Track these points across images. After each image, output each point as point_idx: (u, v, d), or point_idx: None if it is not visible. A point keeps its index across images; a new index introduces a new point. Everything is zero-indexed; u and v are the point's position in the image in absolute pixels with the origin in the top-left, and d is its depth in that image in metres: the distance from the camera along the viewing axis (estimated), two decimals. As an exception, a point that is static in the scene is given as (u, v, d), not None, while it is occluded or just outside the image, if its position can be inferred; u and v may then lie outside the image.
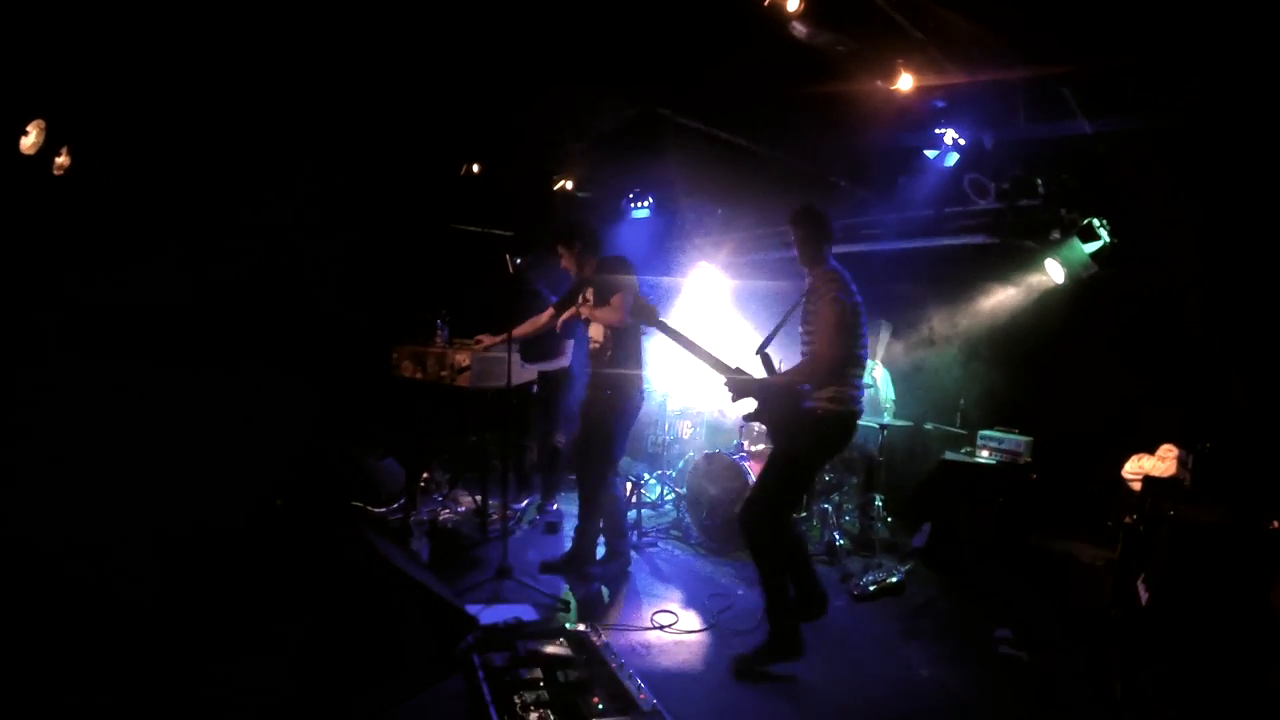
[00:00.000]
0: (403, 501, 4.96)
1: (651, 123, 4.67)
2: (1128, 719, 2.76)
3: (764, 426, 5.01)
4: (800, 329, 3.38)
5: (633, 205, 6.46)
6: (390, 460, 5.08)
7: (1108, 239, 3.66)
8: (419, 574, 3.49)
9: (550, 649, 3.14)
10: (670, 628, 3.65)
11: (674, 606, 3.90)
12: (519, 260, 5.93)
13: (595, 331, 4.19)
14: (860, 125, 4.23)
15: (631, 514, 4.84)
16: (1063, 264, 4.12)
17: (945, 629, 3.79)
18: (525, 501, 5.43)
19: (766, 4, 2.97)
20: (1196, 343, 3.42)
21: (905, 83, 3.46)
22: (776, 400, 3.38)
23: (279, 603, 2.92)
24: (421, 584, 3.38)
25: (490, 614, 3.63)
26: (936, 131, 4.07)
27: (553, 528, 5.09)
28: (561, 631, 3.32)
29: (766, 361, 3.51)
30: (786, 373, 3.38)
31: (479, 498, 4.99)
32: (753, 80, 3.90)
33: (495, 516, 4.87)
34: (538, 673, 2.90)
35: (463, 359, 4.47)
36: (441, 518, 4.93)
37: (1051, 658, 3.37)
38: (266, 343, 5.03)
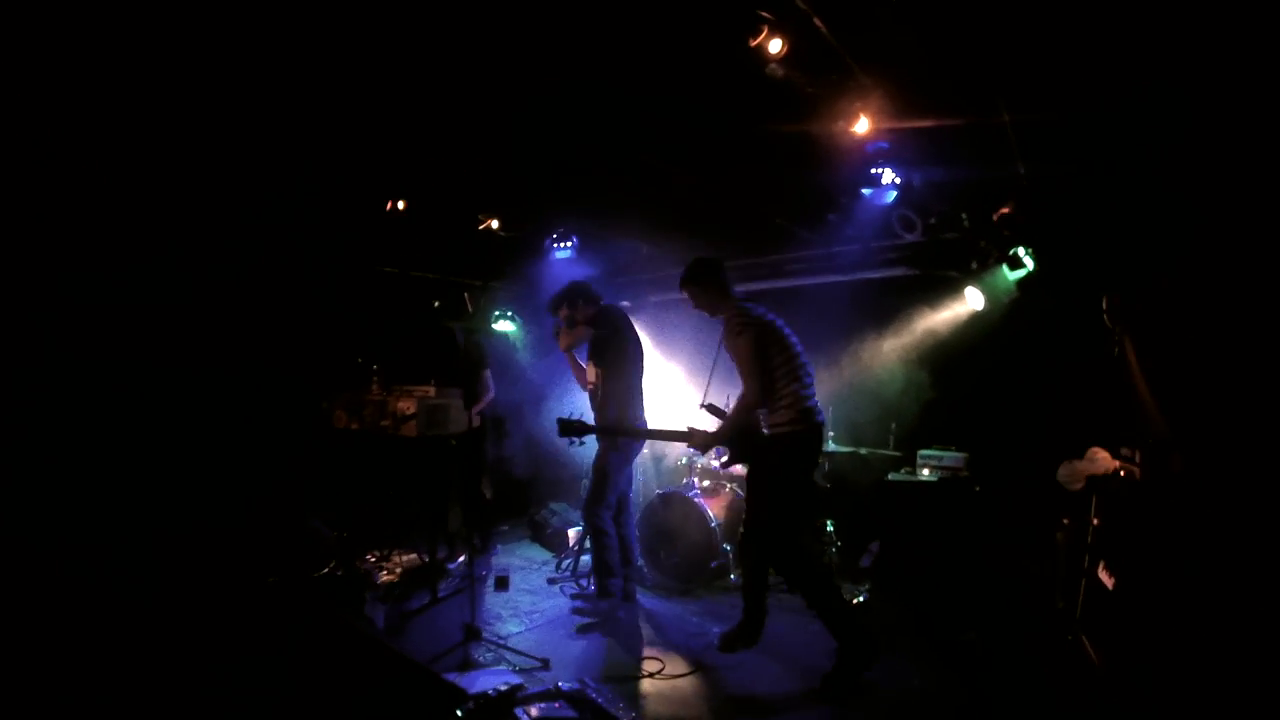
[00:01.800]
0: (333, 565, 4.48)
1: (577, 161, 4.65)
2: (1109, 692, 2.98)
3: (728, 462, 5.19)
4: None
5: (556, 245, 6.34)
6: (316, 521, 4.59)
7: (1033, 266, 4.07)
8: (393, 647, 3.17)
9: (550, 713, 2.93)
10: (661, 673, 3.52)
11: (656, 652, 3.77)
12: (437, 303, 5.70)
13: (592, 374, 4.39)
14: (802, 164, 4.44)
15: (585, 558, 4.72)
16: (986, 291, 4.50)
17: (915, 639, 3.89)
18: (461, 558, 5.08)
19: (752, 45, 3.06)
20: (1109, 355, 3.84)
21: (862, 125, 3.68)
22: (739, 441, 3.59)
23: (260, 686, 2.54)
24: (406, 658, 3.07)
25: (469, 683, 3.33)
26: (873, 171, 4.35)
27: (502, 582, 4.78)
28: (560, 693, 3.11)
29: (714, 411, 3.75)
30: (729, 415, 3.57)
31: (425, 556, 4.61)
32: (702, 117, 3.99)
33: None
34: (551, 740, 2.69)
35: (407, 406, 4.17)
36: (382, 580, 4.49)
37: (1017, 653, 3.59)
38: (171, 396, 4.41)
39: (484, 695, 3.05)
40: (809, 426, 3.47)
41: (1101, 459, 3.82)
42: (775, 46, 3.11)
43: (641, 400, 4.35)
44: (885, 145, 4.03)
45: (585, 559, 4.77)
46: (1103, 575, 3.20)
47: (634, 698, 3.29)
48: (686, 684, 3.45)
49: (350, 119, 4.03)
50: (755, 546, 3.62)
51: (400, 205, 4.80)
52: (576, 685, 3.17)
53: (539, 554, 5.69)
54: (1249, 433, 2.96)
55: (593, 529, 4.26)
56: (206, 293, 4.50)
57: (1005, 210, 3.60)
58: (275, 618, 3.09)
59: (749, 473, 3.69)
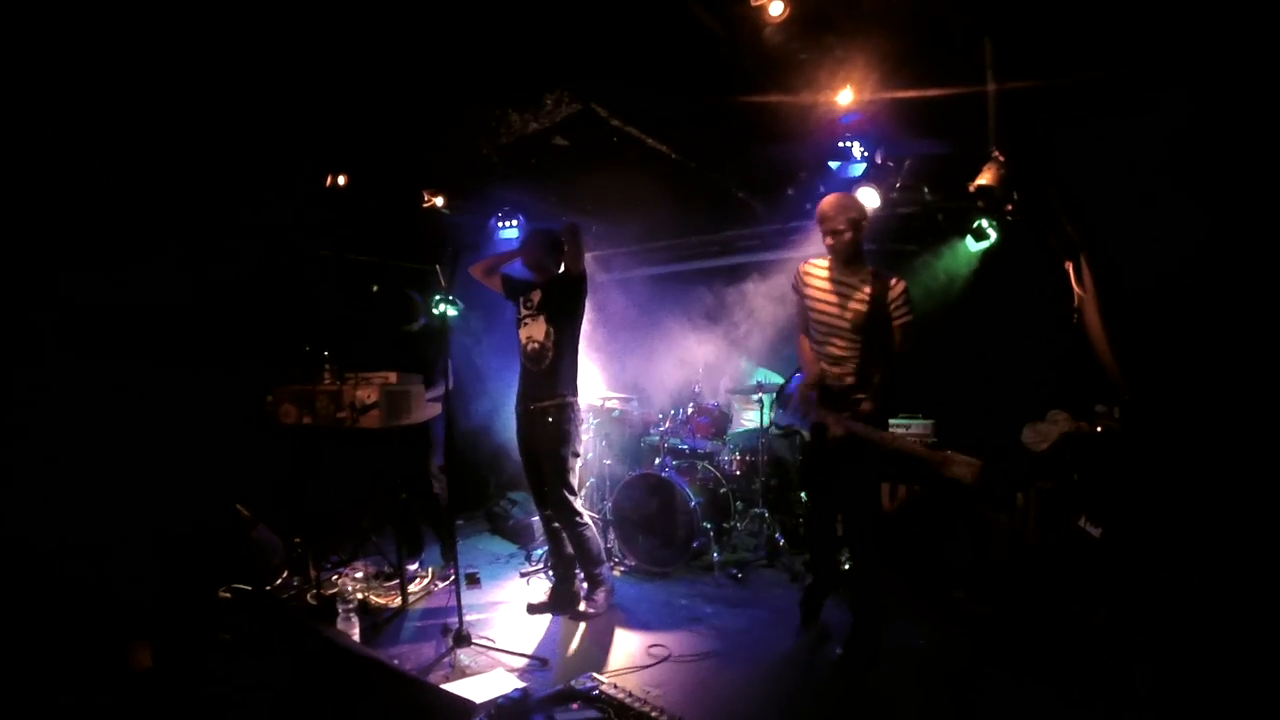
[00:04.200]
0: (287, 576, 4.08)
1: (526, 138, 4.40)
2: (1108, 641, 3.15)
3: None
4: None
5: (500, 224, 6.02)
6: (262, 528, 4.14)
7: (996, 238, 4.22)
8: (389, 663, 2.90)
9: (574, 717, 2.76)
10: (673, 658, 3.39)
11: (657, 638, 3.64)
12: (375, 288, 5.30)
13: (536, 330, 3.87)
14: (767, 136, 4.38)
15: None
16: (948, 263, 4.64)
17: (903, 599, 3.97)
18: (422, 557, 4.75)
19: (754, 4, 2.94)
20: (1069, 322, 4.04)
21: (845, 96, 3.65)
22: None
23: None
24: (403, 674, 2.81)
25: (471, 692, 3.09)
26: (841, 145, 4.35)
27: (473, 579, 4.51)
28: (575, 693, 2.93)
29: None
30: (883, 386, 3.20)
31: (391, 560, 4.26)
32: (672, 86, 3.84)
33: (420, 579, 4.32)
34: (584, 746, 2.52)
35: (367, 394, 3.81)
36: (349, 589, 4.11)
37: (1005, 609, 3.72)
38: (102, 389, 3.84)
39: (495, 705, 2.84)
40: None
41: (1063, 421, 4.03)
42: (776, 10, 3.01)
43: None
44: (859, 116, 4.03)
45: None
46: (1087, 526, 3.36)
47: (650, 687, 3.13)
48: (703, 666, 3.34)
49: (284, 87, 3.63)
50: (870, 527, 3.39)
51: (341, 181, 4.37)
52: (590, 683, 3.00)
53: (502, 547, 5.43)
54: (1208, 390, 3.15)
55: (569, 519, 3.89)
56: (125, 278, 3.94)
57: (981, 181, 3.67)
58: (250, 636, 2.73)
59: (856, 450, 3.18)
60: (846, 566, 3.98)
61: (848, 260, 3.23)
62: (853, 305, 3.20)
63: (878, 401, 3.18)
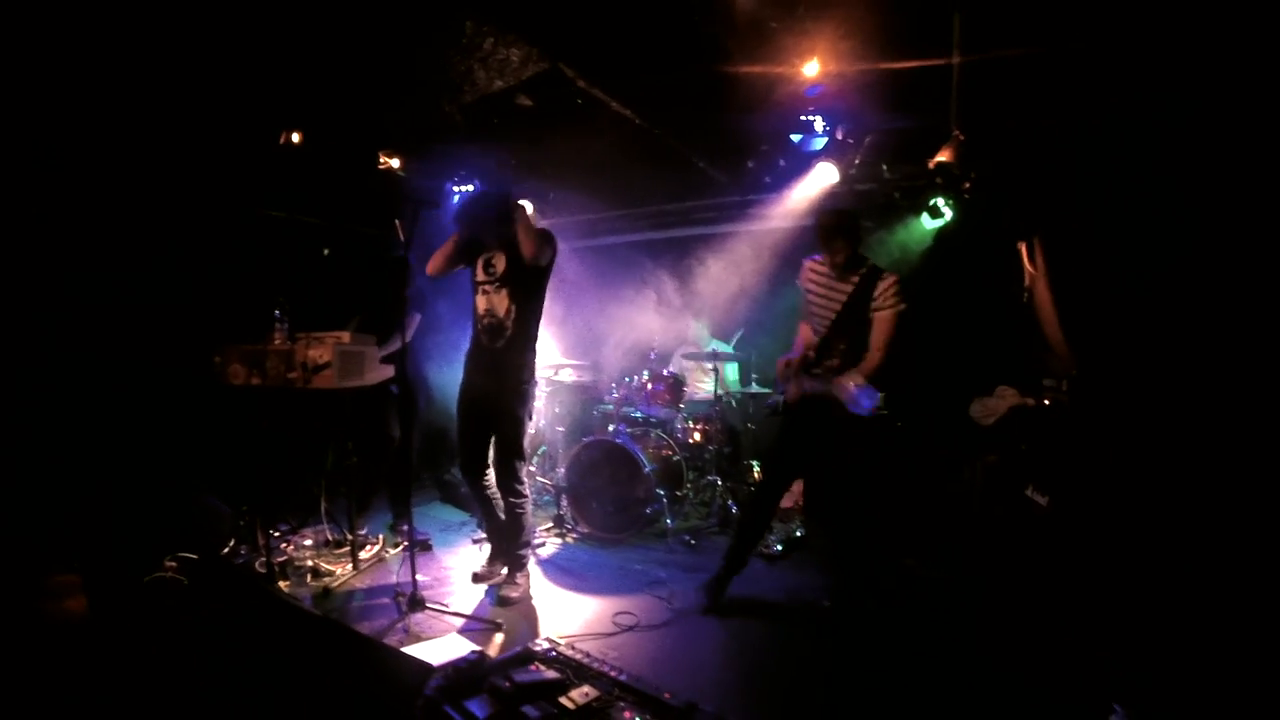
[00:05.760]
0: (234, 544, 3.95)
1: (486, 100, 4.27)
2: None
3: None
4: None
5: (456, 189, 5.85)
6: (209, 496, 3.99)
7: (952, 216, 4.31)
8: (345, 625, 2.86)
9: (533, 677, 2.76)
10: (639, 627, 3.39)
11: (612, 602, 3.67)
12: (326, 251, 5.12)
13: (497, 303, 3.60)
14: (731, 107, 4.36)
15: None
16: (901, 239, 4.73)
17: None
18: (372, 523, 4.67)
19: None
20: (1019, 301, 4.17)
21: (812, 68, 3.66)
22: None
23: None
24: (360, 636, 2.77)
25: (427, 655, 3.07)
26: (804, 118, 4.36)
27: (425, 545, 4.46)
28: (533, 655, 2.93)
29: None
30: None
31: (343, 526, 4.17)
32: (641, 50, 3.78)
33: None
34: (543, 706, 2.52)
35: (320, 354, 3.69)
36: (298, 557, 4.02)
37: (953, 576, 3.88)
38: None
39: (452, 667, 2.82)
40: None
41: (1010, 396, 4.19)
42: (751, -27, 2.98)
43: None
44: (823, 89, 4.05)
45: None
46: (1034, 495, 3.52)
47: (611, 653, 3.14)
48: (668, 632, 3.36)
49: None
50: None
51: (295, 138, 4.17)
52: (547, 645, 3.01)
53: (453, 515, 5.39)
54: (1152, 365, 3.30)
55: (513, 490, 3.64)
56: (62, 234, 3.69)
57: (941, 157, 3.74)
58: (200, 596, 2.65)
59: (827, 428, 3.50)
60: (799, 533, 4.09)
61: (846, 266, 3.43)
62: (838, 299, 3.43)
63: (843, 377, 3.33)
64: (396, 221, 3.41)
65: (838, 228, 3.38)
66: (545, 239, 3.54)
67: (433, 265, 3.68)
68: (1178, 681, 2.57)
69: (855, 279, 3.40)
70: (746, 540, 3.66)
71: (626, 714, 2.48)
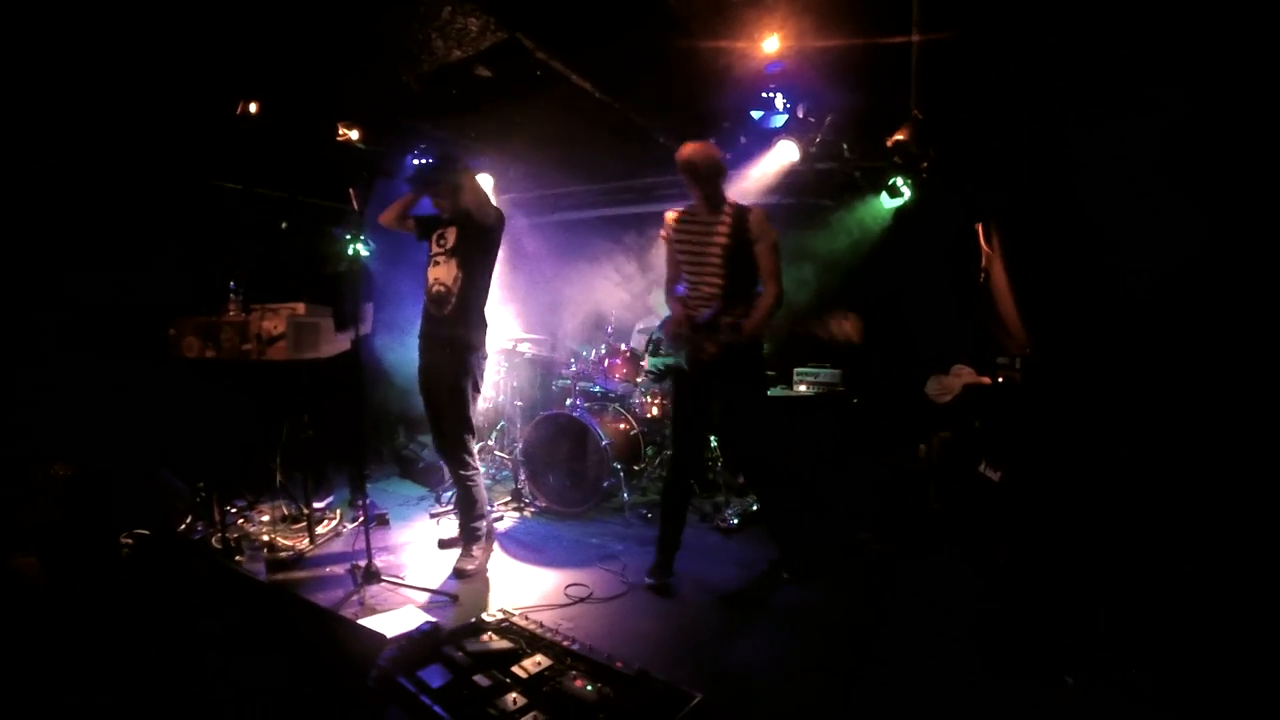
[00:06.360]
0: (190, 520, 3.91)
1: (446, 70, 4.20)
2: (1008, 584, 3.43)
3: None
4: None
5: (415, 160, 5.75)
6: (164, 471, 3.93)
7: (910, 196, 4.37)
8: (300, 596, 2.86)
9: (486, 647, 2.80)
10: (592, 598, 3.45)
11: (569, 575, 3.72)
12: (284, 224, 5.04)
13: (445, 273, 3.63)
14: (693, 82, 4.34)
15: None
16: (861, 218, 4.79)
17: (810, 539, 4.15)
18: (330, 498, 4.66)
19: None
20: (975, 280, 4.26)
21: (772, 44, 3.66)
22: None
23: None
24: (314, 606, 2.78)
25: (381, 626, 3.09)
26: (765, 95, 4.37)
27: (382, 520, 4.47)
28: (486, 625, 2.97)
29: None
30: (759, 315, 3.37)
31: (298, 501, 4.14)
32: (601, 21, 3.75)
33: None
34: (495, 675, 2.56)
35: (274, 325, 3.65)
36: (254, 532, 4.00)
37: (906, 549, 3.98)
38: None
39: (406, 638, 2.84)
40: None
41: (966, 374, 4.29)
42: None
43: None
44: (783, 66, 4.05)
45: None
46: (987, 471, 3.62)
47: (565, 623, 3.19)
48: (621, 603, 3.42)
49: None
50: (763, 452, 3.61)
51: (253, 108, 4.06)
52: (500, 616, 3.05)
53: (411, 490, 5.39)
54: (1104, 343, 3.39)
55: (462, 464, 3.65)
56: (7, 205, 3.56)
57: (899, 137, 3.78)
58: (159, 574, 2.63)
59: (743, 377, 3.46)
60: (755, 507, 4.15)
61: (713, 205, 3.44)
62: (717, 239, 3.40)
63: (756, 320, 3.36)
64: (350, 190, 3.37)
65: (710, 159, 3.37)
66: (490, 201, 3.66)
67: (385, 215, 3.83)
68: (1127, 651, 2.65)
69: (726, 216, 3.41)
70: (675, 522, 3.62)
71: (578, 682, 2.52)
